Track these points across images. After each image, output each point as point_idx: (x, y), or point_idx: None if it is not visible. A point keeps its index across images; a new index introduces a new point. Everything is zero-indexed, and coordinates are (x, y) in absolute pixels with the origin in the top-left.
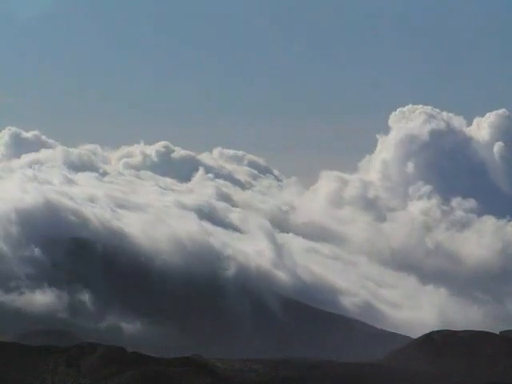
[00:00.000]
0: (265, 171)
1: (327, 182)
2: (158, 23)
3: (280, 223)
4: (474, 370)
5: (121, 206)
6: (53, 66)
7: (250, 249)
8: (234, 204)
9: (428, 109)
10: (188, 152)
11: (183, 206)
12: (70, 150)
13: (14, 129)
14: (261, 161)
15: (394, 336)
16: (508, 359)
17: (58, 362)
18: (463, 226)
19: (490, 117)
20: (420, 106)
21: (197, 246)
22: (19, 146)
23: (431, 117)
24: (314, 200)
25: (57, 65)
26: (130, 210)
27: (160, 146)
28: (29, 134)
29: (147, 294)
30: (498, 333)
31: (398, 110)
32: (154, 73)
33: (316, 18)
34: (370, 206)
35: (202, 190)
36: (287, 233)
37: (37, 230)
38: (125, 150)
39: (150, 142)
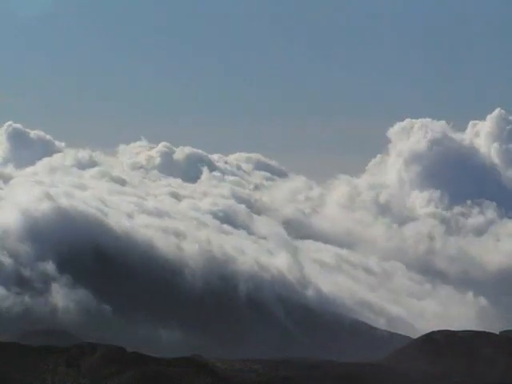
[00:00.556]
0: (279, 173)
1: (339, 185)
2: (158, 23)
3: (299, 228)
4: (474, 370)
5: (138, 212)
6: (52, 65)
7: (270, 255)
8: (248, 205)
9: (427, 121)
10: (192, 151)
11: (201, 211)
12: (75, 152)
13: (14, 126)
14: (269, 161)
15: (394, 336)
16: (508, 359)
17: (58, 361)
18: (482, 230)
19: (488, 119)
20: (419, 119)
21: (217, 254)
22: (22, 146)
23: (430, 128)
24: (329, 204)
25: (56, 64)
26: (148, 215)
27: (162, 145)
28: (32, 134)
29: (168, 302)
30: (497, 333)
31: (398, 124)
32: (154, 73)
33: (316, 18)
34: (385, 211)
35: (213, 190)
36: (307, 239)
37: (52, 238)
38: (127, 150)
39: (148, 146)
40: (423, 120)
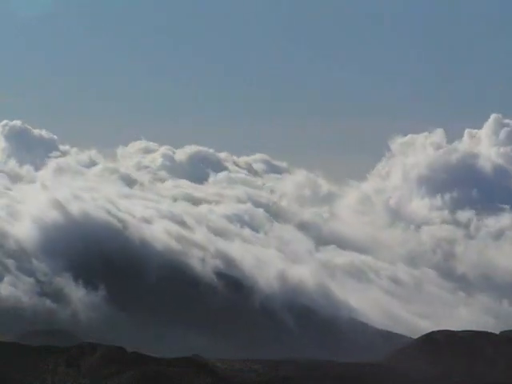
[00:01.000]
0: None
1: (349, 191)
2: (158, 23)
3: (317, 232)
4: (474, 370)
5: (155, 217)
6: (52, 65)
7: (289, 261)
8: (265, 208)
9: (428, 135)
10: (198, 150)
11: (218, 215)
12: (81, 152)
13: (11, 124)
14: (274, 162)
15: (394, 336)
16: (508, 359)
17: (58, 361)
18: (499, 234)
19: (486, 126)
20: (420, 134)
21: (233, 259)
22: (22, 145)
23: (431, 139)
24: (343, 208)
25: (56, 64)
26: (163, 220)
27: (168, 145)
28: (32, 133)
29: (183, 306)
30: (497, 333)
31: (399, 139)
32: (154, 73)
33: (316, 18)
34: (397, 216)
35: (227, 192)
36: (325, 243)
37: (67, 246)
38: (129, 150)
39: (150, 147)
40: (425, 134)
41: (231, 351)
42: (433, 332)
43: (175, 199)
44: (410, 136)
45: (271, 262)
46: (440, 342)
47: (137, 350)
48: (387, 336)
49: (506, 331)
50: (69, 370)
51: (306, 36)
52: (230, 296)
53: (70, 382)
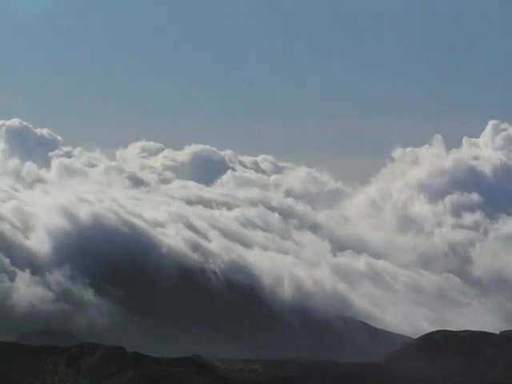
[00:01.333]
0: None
1: (355, 193)
2: (158, 23)
3: (331, 235)
4: (474, 370)
5: (166, 220)
6: (52, 65)
7: (307, 266)
8: (279, 211)
9: (428, 148)
10: (202, 149)
11: (230, 218)
12: (85, 153)
13: (8, 124)
14: (284, 164)
15: (393, 336)
16: (508, 359)
17: (58, 362)
18: (510, 238)
19: (485, 132)
20: (420, 148)
21: (244, 263)
22: (22, 144)
23: (433, 152)
24: (350, 211)
25: (56, 64)
26: (175, 224)
27: (168, 147)
28: (32, 133)
29: (193, 309)
30: (497, 333)
31: (401, 150)
32: (154, 73)
33: (316, 18)
34: (408, 220)
35: (237, 193)
36: (340, 246)
37: (77, 252)
38: (132, 151)
39: (153, 147)
40: (426, 147)
41: (235, 352)
42: (433, 332)
43: (186, 201)
44: (410, 149)
45: (277, 263)
46: (440, 342)
47: (137, 350)
48: (397, 338)
49: (506, 331)
50: (69, 370)
51: (306, 36)
52: (237, 299)
53: (69, 382)
